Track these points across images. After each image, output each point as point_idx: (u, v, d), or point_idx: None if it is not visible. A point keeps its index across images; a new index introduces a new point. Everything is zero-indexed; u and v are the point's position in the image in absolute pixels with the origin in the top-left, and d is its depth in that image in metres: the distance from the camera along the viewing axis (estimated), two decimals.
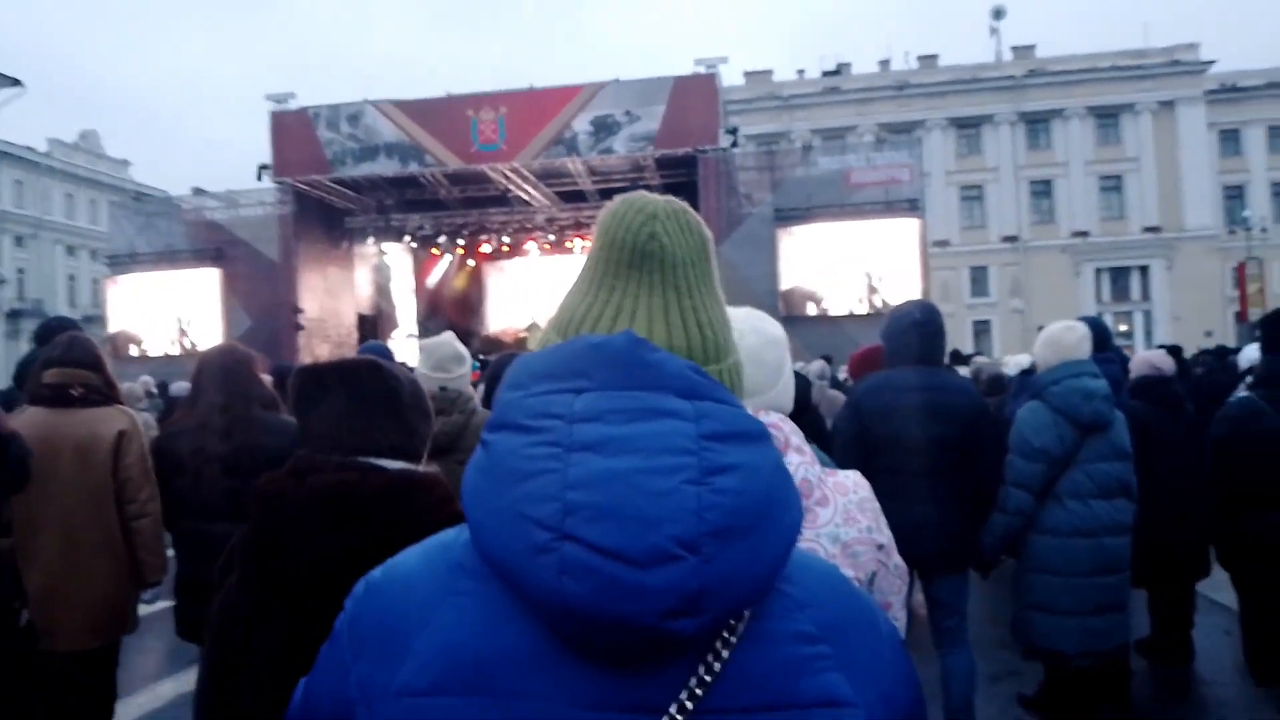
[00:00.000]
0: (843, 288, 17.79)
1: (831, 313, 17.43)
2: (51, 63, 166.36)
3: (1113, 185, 43.59)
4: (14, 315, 40.65)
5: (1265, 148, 45.16)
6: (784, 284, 17.56)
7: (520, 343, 20.77)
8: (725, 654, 0.74)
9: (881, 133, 38.97)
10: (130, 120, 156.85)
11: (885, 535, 1.56)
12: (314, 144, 17.89)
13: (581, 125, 17.25)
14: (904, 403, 3.59)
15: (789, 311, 17.25)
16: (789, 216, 17.70)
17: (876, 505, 1.59)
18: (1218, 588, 5.23)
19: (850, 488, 1.56)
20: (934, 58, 46.64)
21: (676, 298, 0.91)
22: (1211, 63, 43.24)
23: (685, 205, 1.00)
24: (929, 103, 44.21)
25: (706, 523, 0.71)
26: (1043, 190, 44.14)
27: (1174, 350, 10.80)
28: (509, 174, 18.71)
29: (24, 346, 36.99)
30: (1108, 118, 43.57)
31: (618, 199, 0.99)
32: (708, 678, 0.73)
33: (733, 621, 0.75)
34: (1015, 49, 46.12)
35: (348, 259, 21.60)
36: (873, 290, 17.66)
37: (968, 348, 25.13)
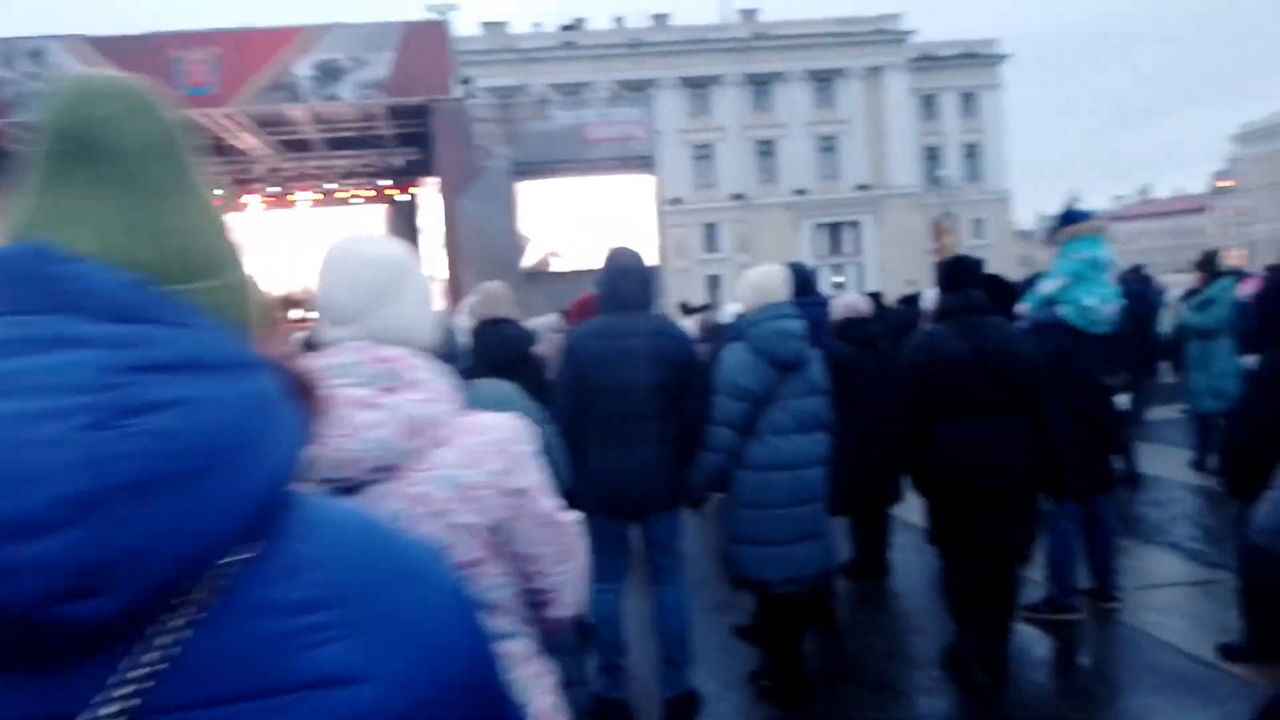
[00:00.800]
0: (581, 243, 17.97)
1: (570, 267, 17.57)
2: None
3: (829, 146, 47.07)
4: None
5: (958, 113, 50.43)
6: (522, 238, 17.45)
7: None
8: (173, 639, 0.59)
9: (618, 89, 39.55)
10: None
11: (527, 479, 1.45)
12: None
13: (304, 70, 16.10)
14: (617, 349, 3.65)
15: (530, 265, 17.22)
16: (527, 170, 17.55)
17: (522, 449, 1.47)
18: (910, 510, 5.68)
19: (485, 429, 1.44)
20: (666, 17, 47.85)
21: (137, 199, 0.71)
22: (912, 33, 47.48)
23: (146, 86, 0.77)
24: (662, 61, 45.43)
25: (109, 475, 0.56)
26: (767, 150, 46.87)
27: (874, 295, 11.85)
28: (223, 120, 17.17)
29: None
30: (824, 81, 46.82)
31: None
32: (141, 672, 0.58)
33: (181, 597, 0.60)
34: (742, 12, 48.25)
35: None
36: (610, 245, 17.97)
37: (701, 301, 26.29)
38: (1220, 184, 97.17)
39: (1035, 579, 4.95)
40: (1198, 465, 8.00)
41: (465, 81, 18.06)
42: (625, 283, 3.77)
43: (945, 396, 3.90)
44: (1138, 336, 8.35)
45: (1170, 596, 5.14)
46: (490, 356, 4.13)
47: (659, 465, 3.67)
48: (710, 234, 46.05)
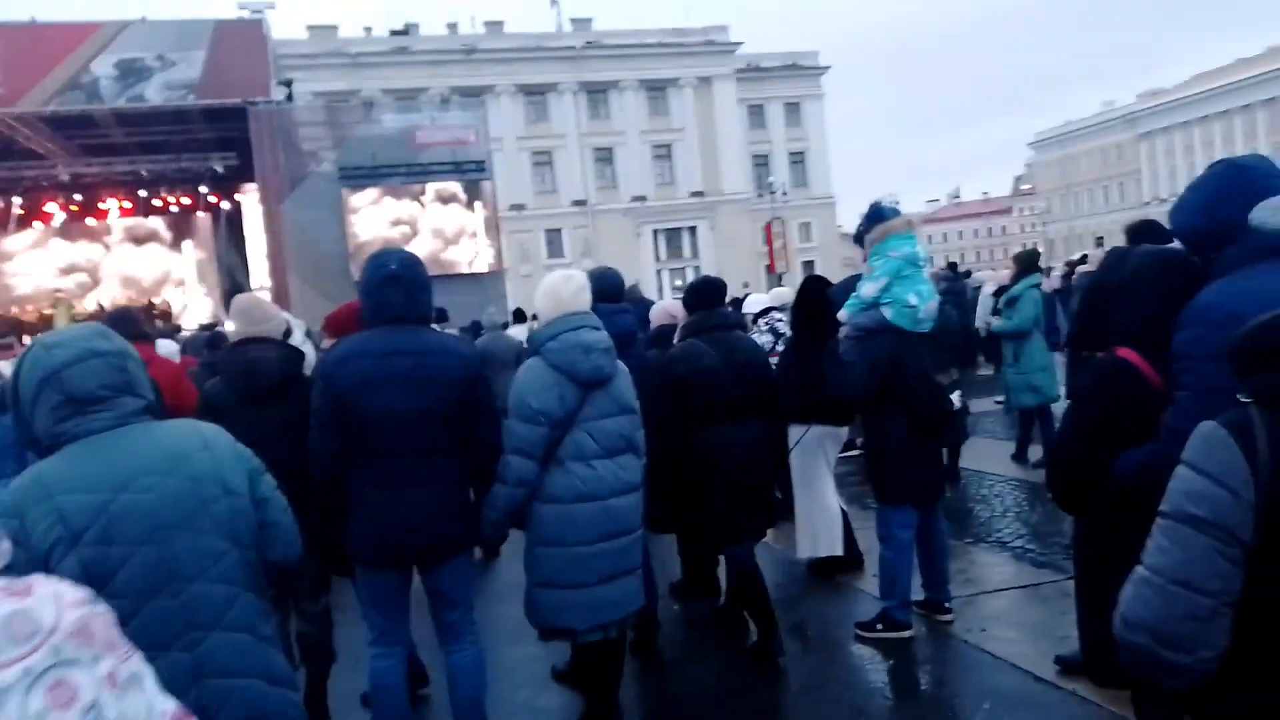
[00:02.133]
0: (415, 249, 17.64)
1: None
2: None
3: (664, 154, 48.00)
4: None
5: (783, 122, 52.40)
6: (353, 246, 16.99)
7: (46, 321, 17.90)
8: None
9: (453, 96, 39.02)
10: None
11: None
12: None
13: (103, 69, 15.15)
14: (381, 370, 3.08)
15: (360, 274, 16.76)
16: (355, 176, 17.14)
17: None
18: None
19: None
20: (500, 24, 47.60)
21: None
22: (739, 44, 49.03)
23: None
24: (498, 69, 45.15)
25: None
26: (605, 157, 47.34)
27: None
28: (13, 123, 15.91)
29: None
30: (657, 90, 47.70)
31: None
32: None
33: None
34: (575, 20, 48.57)
35: None
36: (448, 251, 17.75)
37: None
38: (1022, 188, 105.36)
39: (868, 592, 4.89)
40: (1018, 458, 8.01)
41: (287, 84, 17.42)
42: (392, 292, 3.13)
43: (705, 404, 4.12)
44: (959, 331, 8.33)
45: (1002, 603, 4.89)
46: (235, 386, 3.60)
47: (439, 505, 3.14)
48: (553, 239, 46.10)
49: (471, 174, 17.94)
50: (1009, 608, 4.83)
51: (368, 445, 3.10)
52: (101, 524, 1.85)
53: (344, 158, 17.39)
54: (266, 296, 17.81)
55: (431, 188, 17.75)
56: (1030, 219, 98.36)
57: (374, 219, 17.47)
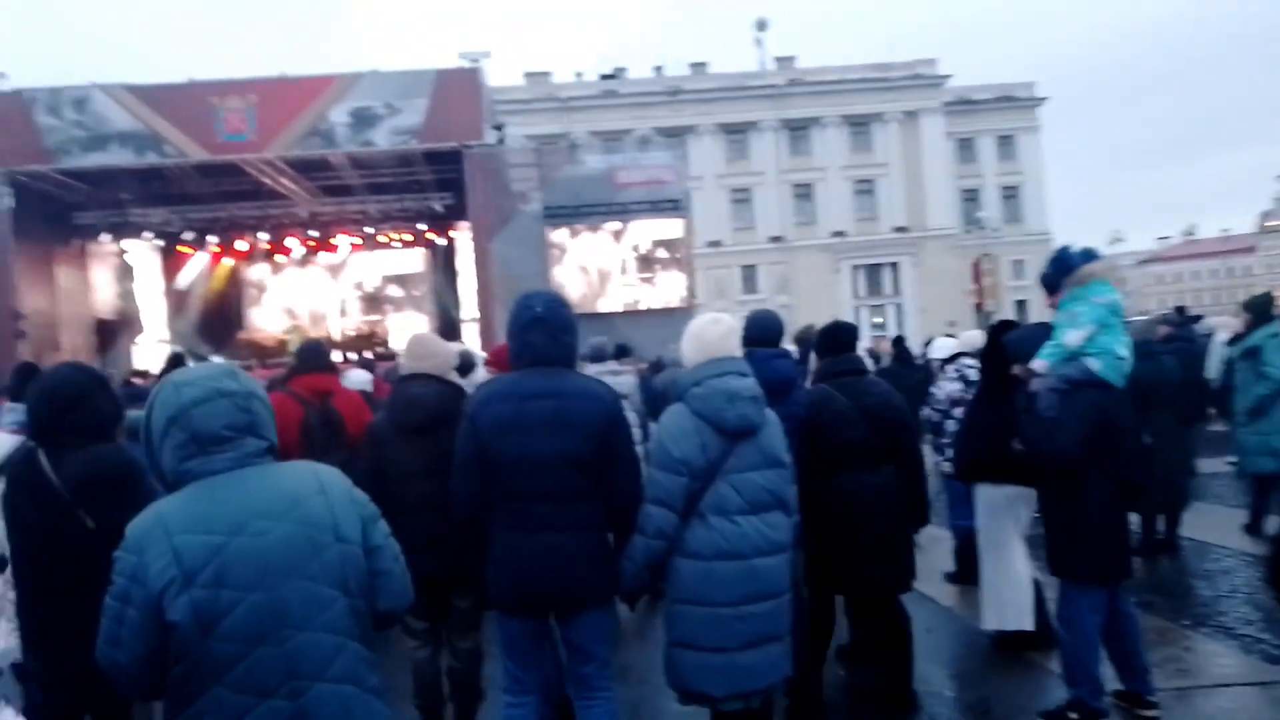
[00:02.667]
0: (612, 285, 18.14)
1: (602, 310, 17.68)
2: None
3: (866, 189, 47.06)
4: None
5: (996, 155, 50.21)
6: (554, 282, 17.62)
7: (282, 345, 19.67)
8: None
9: (656, 136, 39.99)
10: None
11: None
12: (31, 131, 16.13)
13: (339, 116, 16.56)
14: (523, 414, 3.05)
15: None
16: (557, 214, 17.84)
17: None
18: (928, 582, 5.35)
19: None
20: (704, 65, 48.43)
21: None
22: (948, 77, 47.52)
23: None
24: (700, 108, 45.93)
25: None
26: (804, 193, 46.97)
27: (898, 340, 11.69)
28: (263, 166, 17.67)
29: None
30: (860, 126, 46.95)
31: None
32: None
33: None
34: (778, 59, 48.70)
35: (81, 258, 19.70)
36: (640, 287, 18.11)
37: None
38: (1268, 224, 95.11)
39: (1060, 674, 4.17)
40: (1251, 530, 7.07)
41: (498, 127, 18.40)
42: (536, 334, 3.11)
43: (838, 450, 4.01)
44: (1184, 383, 7.36)
45: (1223, 701, 4.22)
46: (394, 418, 3.76)
47: (578, 553, 3.06)
48: (749, 276, 46.13)
49: (668, 212, 18.25)
50: (1232, 708, 4.19)
51: (507, 489, 3.07)
52: (215, 566, 1.85)
53: (549, 197, 18.16)
54: (474, 328, 18.84)
55: (629, 225, 18.19)
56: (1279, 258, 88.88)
57: (573, 255, 18.10)
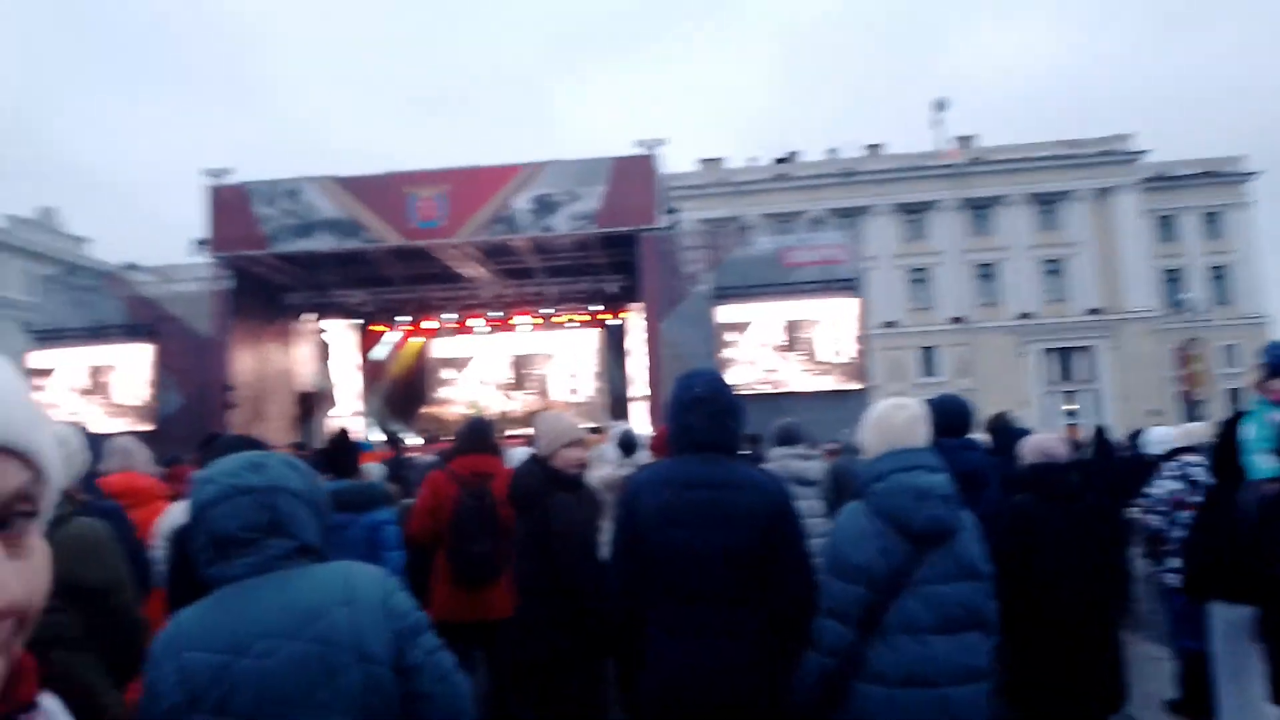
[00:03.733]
0: (782, 365, 17.86)
1: (771, 391, 17.41)
2: (11, 138, 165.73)
3: (1055, 268, 44.79)
4: None
5: (1201, 233, 46.86)
6: (722, 361, 17.55)
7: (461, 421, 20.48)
8: None
9: (830, 218, 39.75)
10: (92, 197, 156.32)
11: None
12: (250, 220, 17.76)
13: (521, 203, 17.34)
14: (682, 502, 2.79)
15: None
16: (727, 294, 17.84)
17: None
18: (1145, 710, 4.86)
19: None
20: (879, 146, 48.04)
21: None
22: (1143, 152, 45.00)
23: None
24: (875, 189, 45.40)
25: None
26: (987, 273, 45.20)
27: (1100, 430, 10.76)
28: (452, 251, 18.69)
29: None
30: (1048, 204, 45.00)
31: None
32: None
33: None
34: (958, 138, 47.68)
35: (286, 335, 21.33)
36: (811, 368, 17.73)
37: None
38: None
39: None
40: None
41: (672, 211, 18.73)
42: (696, 416, 2.87)
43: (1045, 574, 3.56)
44: None
45: None
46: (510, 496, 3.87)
47: (741, 663, 2.69)
48: (928, 357, 44.54)
49: (841, 291, 17.90)
50: None
51: (663, 584, 2.78)
52: (220, 691, 1.62)
53: (719, 278, 18.22)
54: (645, 405, 18.97)
55: (800, 304, 17.94)
56: None
57: (741, 335, 17.98)
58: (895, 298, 43.98)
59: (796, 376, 17.81)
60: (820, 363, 17.90)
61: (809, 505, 5.53)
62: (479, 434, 5.20)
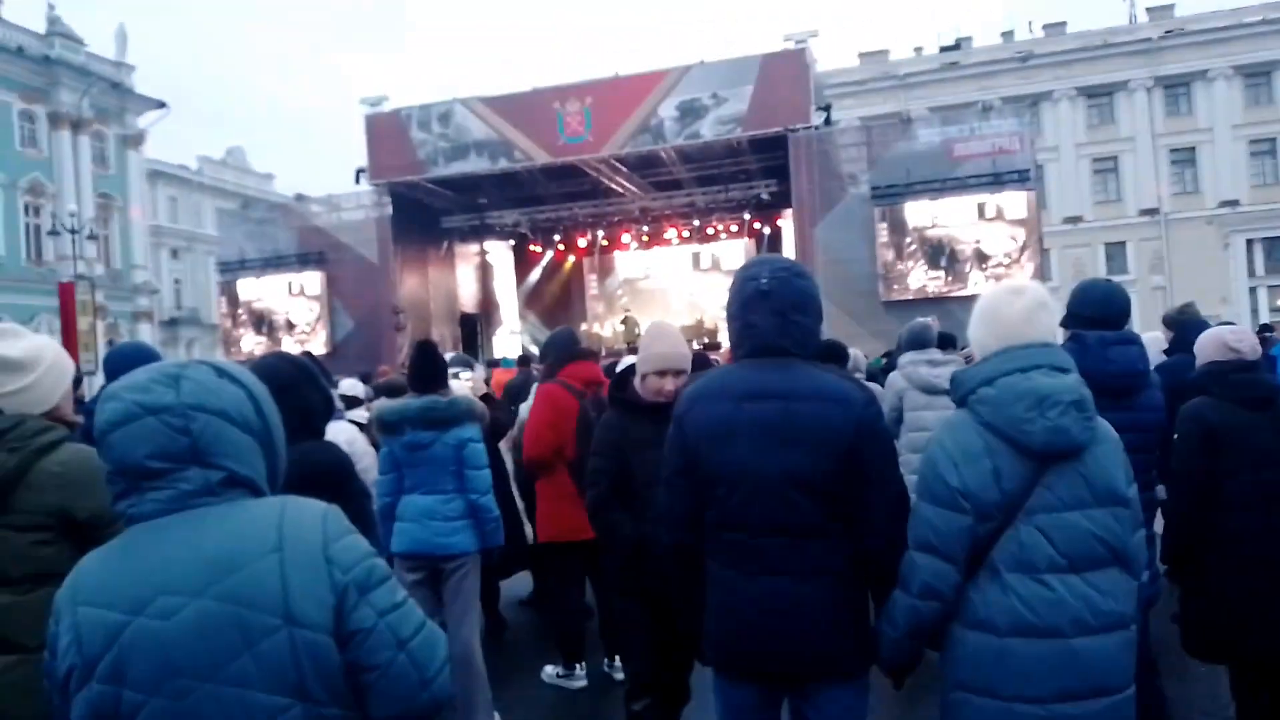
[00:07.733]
0: (946, 267, 16.84)
1: (933, 293, 16.48)
2: (201, 83, 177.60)
3: (1265, 149, 40.13)
4: (171, 323, 43.27)
5: None
6: (882, 265, 16.73)
7: (617, 337, 20.61)
8: None
9: (1004, 107, 36.99)
10: (276, 134, 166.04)
11: None
12: (407, 145, 18.19)
13: (667, 111, 16.93)
14: (743, 418, 2.32)
15: (888, 294, 16.45)
16: (886, 194, 16.86)
17: None
18: None
19: None
20: (1061, 25, 44.05)
21: None
22: None
23: None
24: (1055, 72, 41.77)
25: None
26: (1185, 159, 41.03)
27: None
28: (600, 166, 18.55)
29: (181, 352, 39.35)
30: (1257, 76, 40.13)
31: None
32: None
33: None
34: (1151, 10, 43.06)
35: (448, 258, 21.95)
36: (980, 269, 16.64)
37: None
38: None
39: None
40: None
41: (825, 109, 17.81)
42: (759, 313, 2.35)
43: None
44: None
45: None
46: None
47: (813, 607, 2.27)
48: (1115, 254, 41.18)
49: (1013, 184, 16.57)
50: None
51: (721, 514, 2.34)
52: (114, 656, 1.32)
53: (877, 177, 17.22)
54: None
55: (967, 201, 16.76)
56: None
57: (901, 235, 17.01)
58: (1078, 191, 40.72)
59: (965, 278, 16.75)
60: (987, 263, 16.75)
61: (936, 416, 5.02)
62: (572, 341, 4.98)
